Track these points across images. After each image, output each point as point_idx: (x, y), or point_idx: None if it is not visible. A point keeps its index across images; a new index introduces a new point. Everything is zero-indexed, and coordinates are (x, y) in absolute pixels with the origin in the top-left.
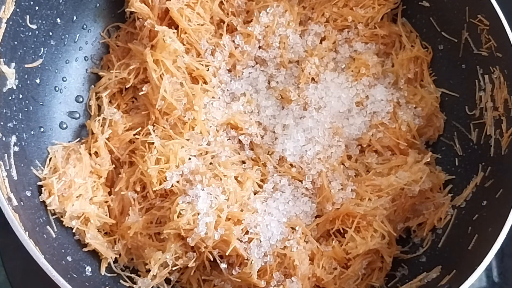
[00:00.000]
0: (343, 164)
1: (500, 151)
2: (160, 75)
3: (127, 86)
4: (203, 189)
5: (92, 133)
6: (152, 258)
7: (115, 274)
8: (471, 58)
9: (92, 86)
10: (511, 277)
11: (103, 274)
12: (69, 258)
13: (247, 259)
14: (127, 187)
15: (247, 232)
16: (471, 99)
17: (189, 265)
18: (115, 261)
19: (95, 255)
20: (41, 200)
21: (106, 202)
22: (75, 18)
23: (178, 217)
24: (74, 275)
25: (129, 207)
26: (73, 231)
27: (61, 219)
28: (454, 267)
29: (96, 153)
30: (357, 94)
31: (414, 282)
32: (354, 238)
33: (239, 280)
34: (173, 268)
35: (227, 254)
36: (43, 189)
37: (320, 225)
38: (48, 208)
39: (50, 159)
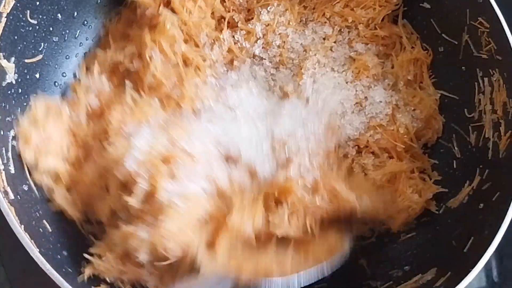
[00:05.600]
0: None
1: (498, 154)
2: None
3: (121, 70)
4: (148, 129)
5: (75, 93)
6: (100, 207)
7: None
8: (471, 61)
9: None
10: (510, 277)
11: None
12: (64, 253)
13: None
14: (93, 137)
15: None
16: (470, 101)
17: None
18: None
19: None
20: (18, 153)
21: (79, 160)
22: (75, 14)
23: (110, 145)
24: (69, 270)
25: (91, 156)
26: (43, 187)
27: (32, 173)
28: (449, 269)
29: (75, 114)
30: (356, 95)
31: (409, 284)
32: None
33: None
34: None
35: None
36: (19, 136)
37: None
38: (21, 157)
39: (30, 108)
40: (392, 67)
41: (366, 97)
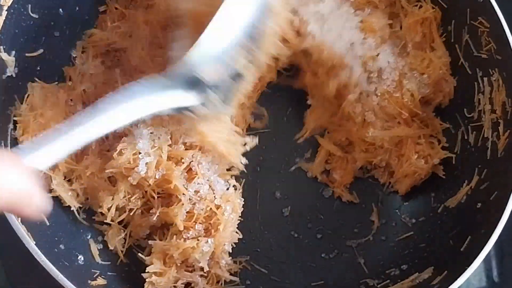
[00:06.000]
0: None
1: (497, 154)
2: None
3: (114, 48)
4: (146, 129)
5: (70, 80)
6: (105, 202)
7: (108, 262)
8: (471, 60)
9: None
10: (511, 277)
11: (97, 262)
12: (62, 246)
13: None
14: None
15: (190, 169)
16: (470, 101)
17: (134, 206)
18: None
19: (87, 245)
20: (14, 137)
21: None
22: (77, 8)
23: (118, 155)
24: (66, 263)
25: (89, 148)
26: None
27: None
28: (446, 268)
29: (71, 100)
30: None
31: (406, 282)
32: None
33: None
34: (131, 214)
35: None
36: (17, 125)
37: None
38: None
39: (28, 95)
40: (400, 28)
41: (373, 57)
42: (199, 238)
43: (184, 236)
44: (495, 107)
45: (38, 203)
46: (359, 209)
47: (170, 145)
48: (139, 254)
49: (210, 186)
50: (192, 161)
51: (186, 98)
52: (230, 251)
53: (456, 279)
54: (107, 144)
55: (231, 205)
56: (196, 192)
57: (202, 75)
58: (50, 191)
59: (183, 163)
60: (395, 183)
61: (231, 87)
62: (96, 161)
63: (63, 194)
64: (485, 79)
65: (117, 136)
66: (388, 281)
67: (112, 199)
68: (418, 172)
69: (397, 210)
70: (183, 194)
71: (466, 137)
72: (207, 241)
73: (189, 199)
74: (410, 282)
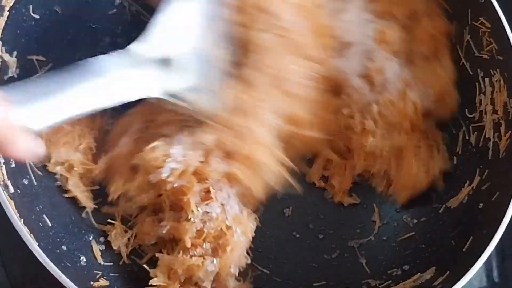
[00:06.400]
0: None
1: (498, 154)
2: None
3: None
4: (186, 137)
5: None
6: (116, 183)
7: (111, 263)
8: (472, 61)
9: None
10: (511, 277)
11: (99, 263)
12: (64, 248)
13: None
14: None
15: (208, 192)
16: (471, 101)
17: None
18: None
19: (90, 246)
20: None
21: (91, 149)
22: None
23: (150, 151)
24: (68, 264)
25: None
26: (56, 176)
27: (46, 164)
28: (448, 268)
29: None
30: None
31: (408, 283)
32: None
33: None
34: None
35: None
36: None
37: None
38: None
39: None
40: (410, 39)
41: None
42: (205, 257)
43: (191, 253)
44: (497, 107)
45: (23, 141)
46: (360, 209)
47: (202, 162)
48: (144, 265)
49: (223, 206)
50: (214, 185)
51: (162, 78)
52: (237, 275)
53: (458, 280)
54: (145, 137)
55: (242, 228)
56: (206, 213)
57: (166, 52)
58: (66, 191)
59: (206, 182)
60: (393, 193)
61: (211, 73)
62: (130, 144)
63: (79, 195)
64: (487, 79)
65: (153, 133)
66: (390, 281)
67: (124, 184)
68: (418, 185)
69: (398, 211)
70: (192, 211)
71: (467, 138)
72: (213, 261)
73: (200, 217)
74: (412, 283)
